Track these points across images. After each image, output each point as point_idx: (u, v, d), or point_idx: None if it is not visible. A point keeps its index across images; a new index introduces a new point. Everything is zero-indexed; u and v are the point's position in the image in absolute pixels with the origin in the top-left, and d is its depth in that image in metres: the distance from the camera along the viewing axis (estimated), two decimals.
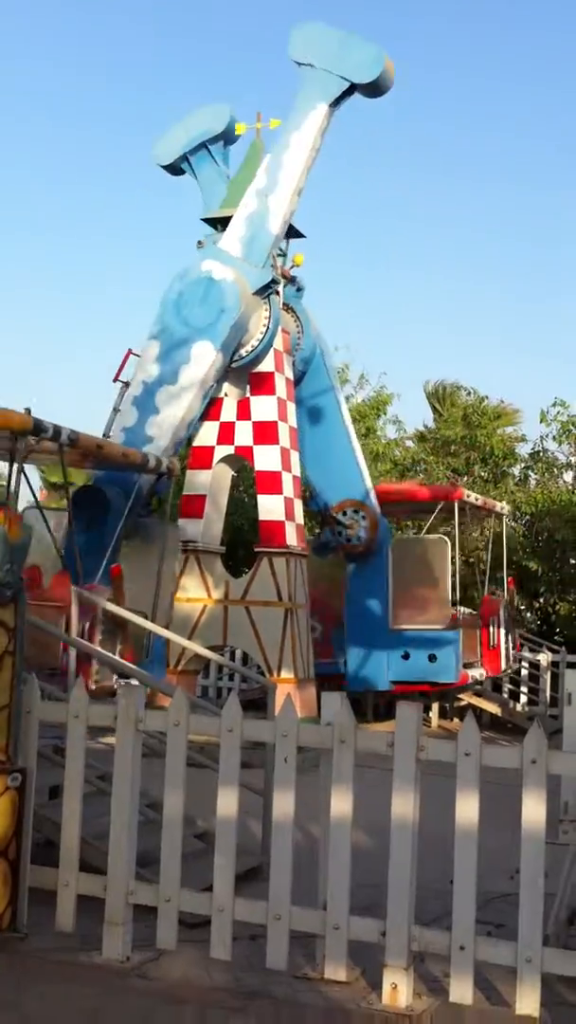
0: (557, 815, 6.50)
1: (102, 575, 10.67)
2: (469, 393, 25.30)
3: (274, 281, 13.92)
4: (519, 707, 19.21)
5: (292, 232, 15.18)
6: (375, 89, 13.95)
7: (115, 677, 10.08)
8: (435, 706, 18.49)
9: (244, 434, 14.55)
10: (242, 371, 14.31)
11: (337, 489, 16.13)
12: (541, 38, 51.90)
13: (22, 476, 9.85)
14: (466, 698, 18.82)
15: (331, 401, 16.21)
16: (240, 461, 14.98)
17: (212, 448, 14.64)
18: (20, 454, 9.28)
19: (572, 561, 22.13)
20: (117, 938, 5.82)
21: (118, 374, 14.88)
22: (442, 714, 18.84)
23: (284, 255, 15.13)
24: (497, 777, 5.44)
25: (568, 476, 23.98)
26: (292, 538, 14.35)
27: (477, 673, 16.64)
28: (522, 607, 22.89)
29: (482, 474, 23.96)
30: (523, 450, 25.03)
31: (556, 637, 22.16)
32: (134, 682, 7.93)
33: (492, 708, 18.58)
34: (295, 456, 14.90)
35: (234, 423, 14.59)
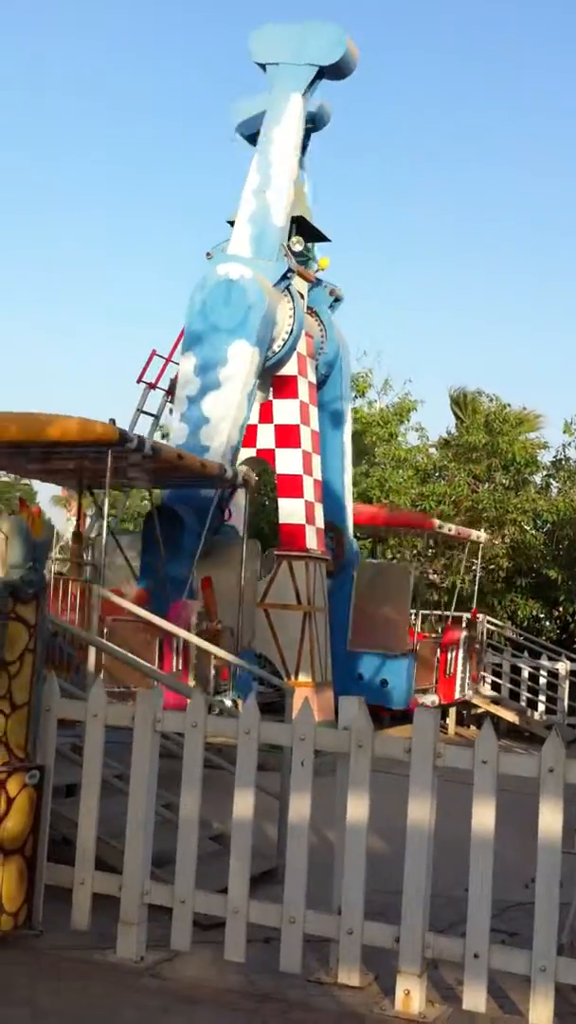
0: (573, 824, 6.47)
1: (189, 590, 10.73)
2: (491, 399, 25.22)
3: (289, 270, 13.91)
4: (537, 716, 19.14)
5: (317, 236, 15.20)
6: (341, 69, 14.03)
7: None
8: (452, 713, 18.47)
9: (266, 437, 14.57)
10: (265, 374, 14.33)
11: None
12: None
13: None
14: (483, 706, 18.78)
15: (339, 415, 16.18)
16: (262, 464, 14.99)
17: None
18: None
19: None
20: (131, 937, 5.84)
21: (142, 375, 14.95)
22: (459, 721, 18.82)
23: (309, 259, 15.15)
24: (513, 785, 5.43)
25: None
26: (312, 542, 14.36)
27: (429, 699, 16.34)
28: (541, 615, 22.82)
29: (503, 481, 23.90)
30: (545, 457, 24.96)
31: (575, 646, 22.08)
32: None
33: (510, 716, 18.53)
34: (316, 460, 14.91)
35: (256, 426, 14.60)
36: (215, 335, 13.50)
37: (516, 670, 19.46)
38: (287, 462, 14.47)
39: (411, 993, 5.28)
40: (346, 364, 16.31)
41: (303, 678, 13.75)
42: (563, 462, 24.62)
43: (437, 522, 17.67)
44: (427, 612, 21.64)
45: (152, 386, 14.94)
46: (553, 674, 19.46)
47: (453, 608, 19.58)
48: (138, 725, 6.04)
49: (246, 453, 14.60)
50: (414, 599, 18.55)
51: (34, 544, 6.17)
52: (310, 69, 13.82)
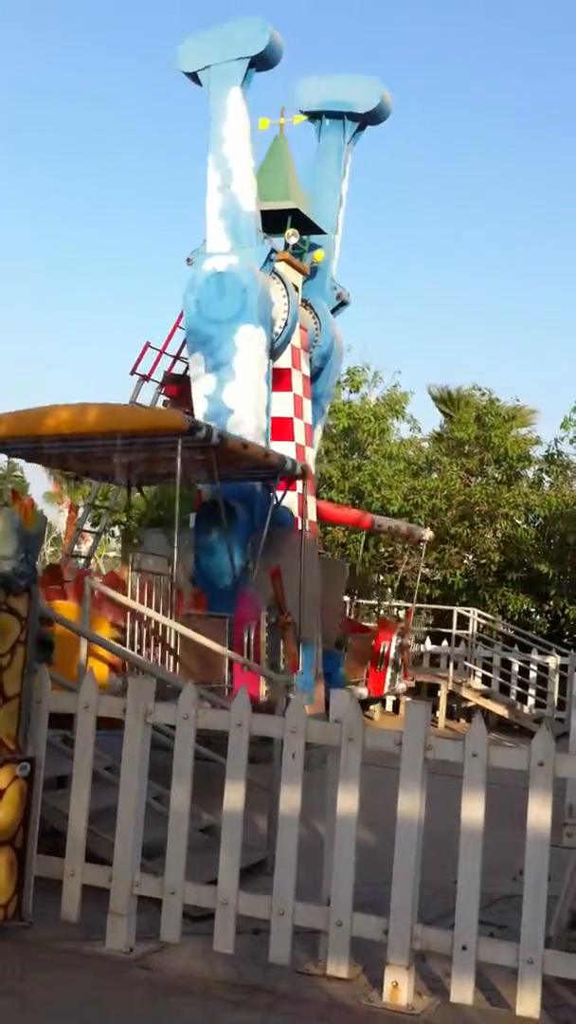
0: (561, 818, 6.50)
1: (255, 582, 10.70)
2: (483, 394, 25.23)
3: (272, 251, 13.95)
4: (526, 709, 19.20)
5: (312, 229, 15.19)
6: (268, 59, 14.27)
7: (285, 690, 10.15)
8: (442, 706, 18.51)
9: None
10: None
11: None
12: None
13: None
14: (473, 699, 18.83)
15: (320, 412, 16.17)
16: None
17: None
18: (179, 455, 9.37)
19: None
20: (121, 929, 5.86)
21: (135, 367, 14.93)
22: (449, 715, 18.87)
23: (303, 252, 15.13)
24: (502, 778, 5.45)
25: None
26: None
27: (357, 692, 15.54)
28: (531, 609, 22.88)
29: (496, 475, 23.94)
30: (538, 452, 25.00)
31: (565, 640, 22.14)
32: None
33: (499, 710, 18.58)
34: (310, 453, 14.91)
35: None
36: (218, 328, 13.50)
37: (506, 664, 19.52)
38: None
39: (399, 985, 5.31)
40: (337, 361, 16.26)
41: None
42: (555, 457, 24.68)
43: (375, 519, 17.64)
44: (421, 605, 21.72)
45: (146, 378, 14.93)
46: (543, 668, 19.51)
47: (441, 602, 19.56)
48: (129, 717, 6.05)
49: None
50: (357, 592, 18.67)
51: (27, 536, 6.17)
52: (241, 62, 14.14)
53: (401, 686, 17.97)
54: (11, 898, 5.98)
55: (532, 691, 19.55)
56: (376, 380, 25.38)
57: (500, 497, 22.48)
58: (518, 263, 57.53)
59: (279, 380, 14.46)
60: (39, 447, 11.20)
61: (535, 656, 19.69)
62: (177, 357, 15.43)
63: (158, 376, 15.10)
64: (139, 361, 14.97)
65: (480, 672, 19.54)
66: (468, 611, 20.27)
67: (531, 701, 19.48)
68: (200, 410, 13.45)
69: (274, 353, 14.12)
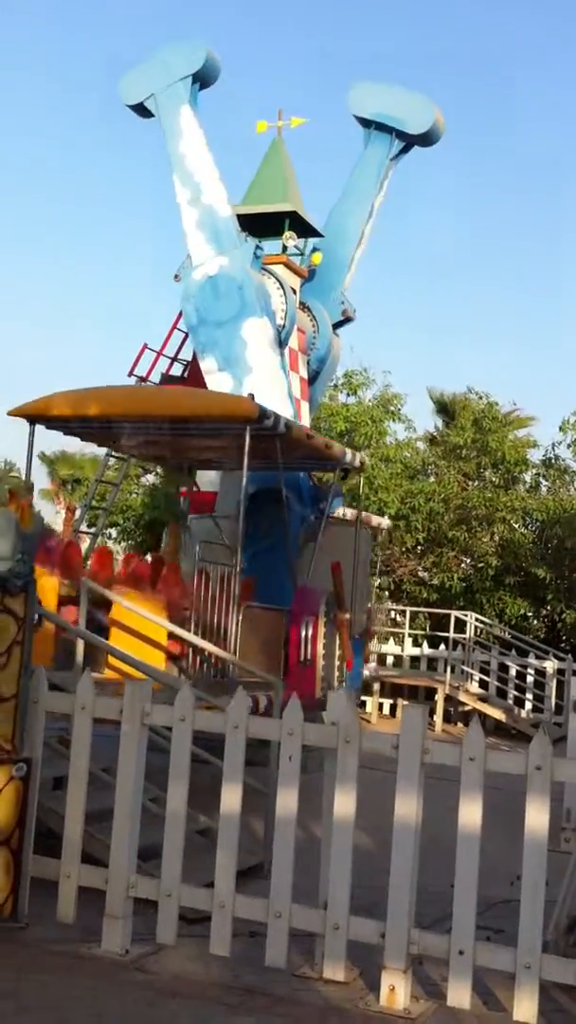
0: (559, 822, 6.49)
1: (311, 576, 10.66)
2: (480, 398, 25.21)
3: (258, 246, 13.97)
4: (524, 714, 19.18)
5: (311, 232, 15.19)
6: (207, 76, 14.54)
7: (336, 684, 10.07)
8: (439, 710, 18.49)
9: None
10: None
11: None
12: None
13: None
14: (471, 703, 18.81)
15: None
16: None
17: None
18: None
19: None
20: (117, 931, 5.84)
21: (132, 368, 14.92)
22: (446, 718, 18.84)
23: (301, 254, 15.13)
24: (498, 782, 5.44)
25: None
26: None
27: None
28: (529, 614, 22.87)
29: (493, 479, 23.95)
30: (535, 456, 25.01)
31: (562, 645, 22.13)
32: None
33: (497, 714, 18.56)
34: None
35: None
36: (223, 329, 13.52)
37: (504, 668, 19.50)
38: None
39: (396, 989, 5.29)
40: (333, 365, 16.21)
41: None
42: (553, 461, 24.69)
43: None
44: (417, 609, 21.70)
45: (143, 379, 14.92)
46: (540, 672, 19.50)
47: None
48: (126, 718, 6.03)
49: None
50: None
51: (23, 536, 6.16)
52: (185, 82, 14.39)
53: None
54: (7, 899, 5.96)
55: (529, 695, 19.53)
56: (367, 381, 25.30)
57: (498, 501, 22.48)
58: (518, 268, 57.63)
59: None
60: (99, 427, 11.27)
61: (532, 660, 19.68)
62: (175, 359, 15.43)
63: (155, 377, 15.09)
64: (136, 362, 14.97)
65: (477, 676, 19.51)
66: (465, 615, 20.24)
67: (528, 705, 19.47)
68: None
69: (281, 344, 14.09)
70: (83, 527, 16.03)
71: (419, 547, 23.10)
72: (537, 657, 19.77)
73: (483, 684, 19.50)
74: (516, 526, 22.96)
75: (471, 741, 5.32)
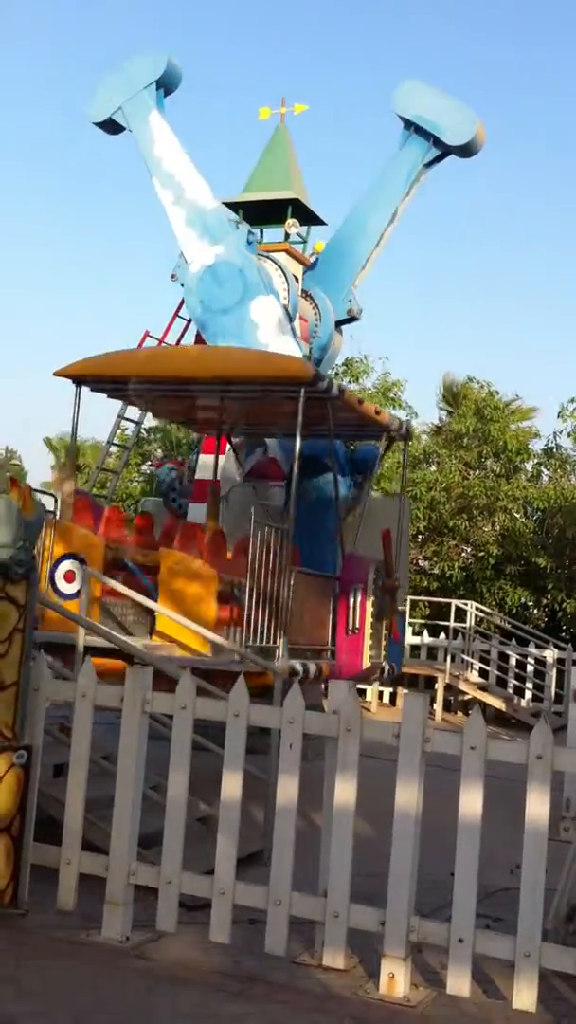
0: (559, 811, 6.50)
1: (357, 543, 10.61)
2: (482, 386, 25.18)
3: (251, 232, 13.96)
4: (524, 703, 19.21)
5: (313, 219, 15.14)
6: (170, 83, 14.84)
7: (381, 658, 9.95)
8: (439, 699, 18.51)
9: None
10: None
11: None
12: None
13: None
14: (471, 692, 18.83)
15: None
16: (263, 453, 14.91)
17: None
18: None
19: None
20: (117, 918, 5.85)
21: None
22: (446, 707, 18.87)
23: (304, 241, 15.09)
24: (496, 771, 5.44)
25: None
26: None
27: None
28: (529, 603, 22.89)
29: (494, 468, 23.94)
30: (536, 446, 24.99)
31: (562, 634, 22.16)
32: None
33: (497, 703, 18.58)
34: None
35: None
36: (230, 315, 13.49)
37: (504, 657, 19.53)
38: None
39: (395, 976, 5.30)
40: (333, 355, 16.11)
41: None
42: (554, 450, 24.68)
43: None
44: (417, 598, 21.70)
45: None
46: (540, 662, 19.54)
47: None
48: (127, 706, 6.03)
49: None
50: None
51: (25, 524, 6.15)
52: (149, 89, 14.62)
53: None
54: (7, 886, 5.97)
55: (529, 684, 19.57)
56: (369, 370, 25.25)
57: (499, 490, 22.48)
58: (520, 256, 57.59)
59: None
60: (143, 388, 11.17)
61: (532, 650, 19.71)
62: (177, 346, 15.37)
63: None
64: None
65: (477, 665, 19.54)
66: (466, 604, 20.27)
67: (528, 694, 19.50)
68: None
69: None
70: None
71: (420, 536, 23.10)
72: (537, 646, 19.80)
73: (483, 673, 19.54)
74: (517, 515, 22.97)
75: (472, 730, 5.32)
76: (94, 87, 15.02)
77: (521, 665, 19.71)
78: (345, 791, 5.55)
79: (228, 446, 14.06)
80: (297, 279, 14.51)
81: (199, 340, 14.10)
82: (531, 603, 23.12)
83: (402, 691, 18.54)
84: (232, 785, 5.77)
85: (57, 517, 10.05)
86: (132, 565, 9.97)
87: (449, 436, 24.68)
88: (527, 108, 57.75)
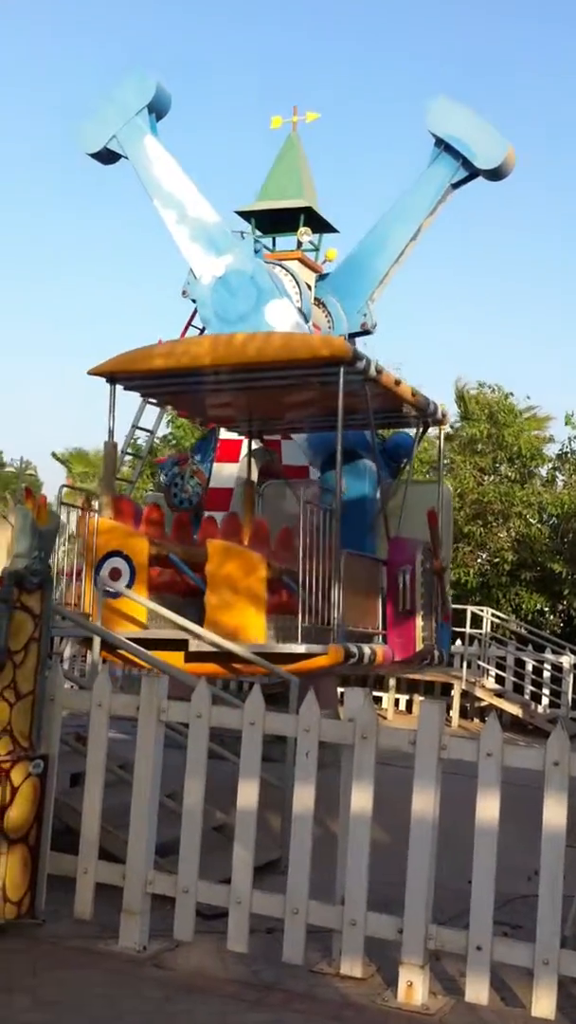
0: (575, 818, 6.46)
1: (402, 526, 10.59)
2: (494, 391, 25.09)
3: (257, 241, 13.96)
4: (540, 709, 19.14)
5: (326, 227, 15.15)
6: (160, 106, 14.81)
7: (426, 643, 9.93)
8: (456, 706, 18.46)
9: None
10: None
11: None
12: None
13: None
14: (487, 699, 18.77)
15: None
16: (268, 454, 14.91)
17: (240, 441, 14.61)
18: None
19: None
20: (134, 927, 5.85)
21: None
22: (463, 714, 18.81)
23: (316, 249, 15.09)
24: (516, 778, 5.42)
25: None
26: None
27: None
28: (545, 609, 22.80)
29: (509, 474, 23.87)
30: (551, 451, 24.92)
31: None
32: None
33: (513, 710, 18.52)
34: None
35: None
36: (246, 323, 13.43)
37: (520, 663, 19.45)
38: (293, 452, 14.42)
39: (414, 984, 5.28)
40: None
41: None
42: (569, 455, 24.60)
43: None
44: None
45: None
46: (557, 668, 19.46)
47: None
48: (143, 715, 6.04)
49: (252, 443, 14.56)
50: None
51: (40, 534, 6.17)
52: (142, 115, 14.56)
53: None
54: (24, 895, 5.98)
55: (546, 691, 19.49)
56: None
57: (513, 496, 22.41)
58: (532, 261, 57.58)
59: None
60: (173, 382, 11.05)
61: (549, 656, 19.63)
62: None
63: None
64: None
65: (494, 672, 19.47)
66: (481, 610, 20.20)
67: (545, 701, 19.43)
68: None
69: None
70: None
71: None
72: (554, 652, 19.72)
73: (499, 680, 19.47)
74: (532, 521, 22.88)
75: (488, 737, 5.31)
76: (84, 119, 14.93)
77: (537, 671, 19.63)
78: (362, 798, 5.54)
79: (244, 449, 14.07)
80: (310, 287, 14.52)
81: None
82: (547, 609, 23.01)
83: (418, 698, 18.51)
84: (248, 793, 5.76)
85: (99, 516, 10.12)
86: (176, 559, 10.08)
87: (463, 442, 24.61)
88: (542, 111, 57.76)
